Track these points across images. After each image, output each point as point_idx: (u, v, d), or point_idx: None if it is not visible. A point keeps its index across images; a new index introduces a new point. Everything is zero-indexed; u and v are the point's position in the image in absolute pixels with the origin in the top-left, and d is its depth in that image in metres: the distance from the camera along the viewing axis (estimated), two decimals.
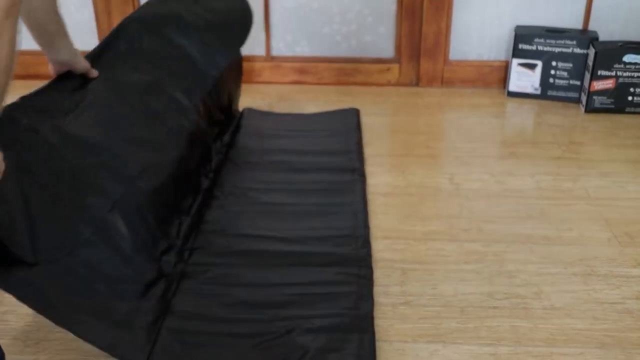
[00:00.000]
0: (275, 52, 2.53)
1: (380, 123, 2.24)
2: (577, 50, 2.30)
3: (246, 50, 2.51)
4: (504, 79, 2.48)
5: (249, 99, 2.40)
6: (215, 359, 1.20)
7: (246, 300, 1.34)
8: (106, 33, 2.48)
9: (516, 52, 2.37)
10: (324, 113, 2.26)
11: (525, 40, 2.35)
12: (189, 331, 1.25)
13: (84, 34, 2.53)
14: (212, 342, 1.23)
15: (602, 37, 2.33)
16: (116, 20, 2.46)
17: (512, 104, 2.38)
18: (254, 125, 2.14)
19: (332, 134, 2.09)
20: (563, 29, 2.36)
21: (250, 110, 2.24)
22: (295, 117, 2.24)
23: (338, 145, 2.02)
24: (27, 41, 2.58)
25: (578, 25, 2.39)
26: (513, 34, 2.37)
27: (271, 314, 1.30)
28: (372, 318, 1.29)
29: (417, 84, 2.53)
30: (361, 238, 1.54)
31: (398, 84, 2.54)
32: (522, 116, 2.32)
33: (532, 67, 2.37)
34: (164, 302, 1.32)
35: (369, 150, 2.02)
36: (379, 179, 1.85)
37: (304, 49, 2.52)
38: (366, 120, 2.22)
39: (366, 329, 1.25)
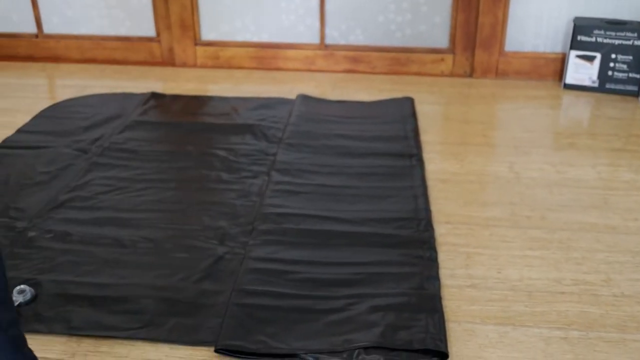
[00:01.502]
0: (329, 40, 2.53)
1: (435, 112, 2.22)
2: (638, 43, 2.26)
3: (299, 38, 2.53)
4: (560, 72, 2.45)
5: (302, 86, 2.41)
6: (285, 334, 1.20)
7: (312, 278, 1.35)
8: (163, 19, 2.52)
9: (574, 44, 2.33)
10: (379, 101, 2.26)
11: (584, 32, 2.31)
12: (257, 306, 1.26)
13: (141, 20, 2.57)
14: (282, 317, 1.24)
15: None
16: (174, 7, 2.49)
17: (568, 97, 2.35)
18: (309, 111, 2.15)
19: (388, 121, 2.09)
20: (623, 20, 2.32)
21: (304, 97, 2.25)
22: (350, 104, 2.23)
23: (394, 131, 2.01)
24: (86, 26, 2.64)
25: (638, 17, 2.35)
26: (571, 25, 2.34)
27: (338, 292, 1.30)
28: (440, 298, 1.28)
29: (470, 75, 2.51)
30: (423, 221, 1.53)
31: (451, 74, 2.52)
32: (579, 108, 2.28)
33: (590, 59, 2.33)
34: (231, 280, 1.33)
35: (425, 138, 2.01)
36: (437, 165, 1.84)
37: (357, 38, 2.52)
38: (421, 109, 2.21)
39: (435, 309, 1.24)
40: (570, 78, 2.38)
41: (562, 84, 2.40)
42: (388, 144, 1.93)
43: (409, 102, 2.23)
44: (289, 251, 1.43)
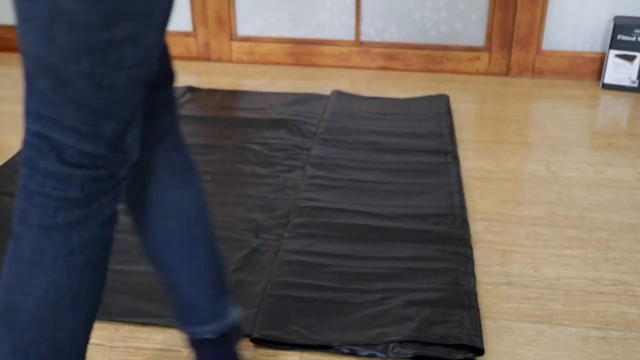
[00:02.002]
0: (364, 37, 2.53)
1: (470, 110, 2.21)
2: None
3: (335, 34, 2.53)
4: (598, 71, 2.41)
5: (336, 82, 2.41)
6: (320, 325, 1.20)
7: (346, 271, 1.35)
8: (200, 15, 2.54)
9: (614, 43, 2.30)
10: (414, 98, 2.25)
11: (625, 31, 2.27)
12: (292, 298, 1.27)
13: (178, 15, 2.59)
14: (317, 309, 1.24)
15: None
16: (211, 2, 2.51)
17: (607, 97, 2.31)
18: (344, 107, 2.15)
19: (423, 118, 2.08)
20: None
21: (339, 93, 2.25)
22: (384, 101, 2.23)
23: (429, 128, 2.00)
24: None
25: None
26: (611, 24, 2.30)
27: (373, 286, 1.30)
28: (475, 294, 1.27)
29: (506, 74, 2.49)
30: (459, 218, 1.53)
31: (487, 73, 2.50)
32: (618, 108, 2.24)
33: (630, 59, 2.29)
34: (266, 271, 1.34)
35: (460, 135, 1.99)
36: (473, 163, 1.83)
37: (393, 35, 2.52)
38: (456, 107, 2.20)
39: (470, 305, 1.23)
40: (609, 78, 2.34)
41: (601, 84, 2.36)
42: (423, 141, 1.92)
43: (444, 99, 2.22)
44: (323, 244, 1.44)
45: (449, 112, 2.12)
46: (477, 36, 2.48)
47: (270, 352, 1.16)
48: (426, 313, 1.22)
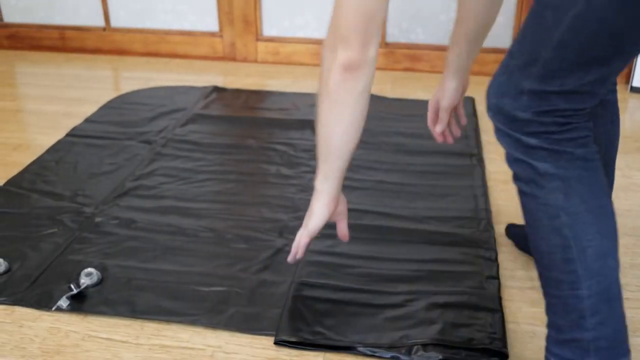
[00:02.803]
0: (389, 38, 2.53)
1: None
2: None
3: None
4: (627, 74, 2.38)
5: None
6: (344, 327, 1.21)
7: (370, 273, 1.35)
8: (227, 15, 2.56)
9: None
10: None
11: None
12: (316, 299, 1.27)
13: (205, 15, 2.62)
14: (340, 310, 1.24)
15: None
16: (237, 3, 2.53)
17: (635, 100, 2.28)
18: (368, 108, 2.14)
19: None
20: None
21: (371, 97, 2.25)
22: (408, 102, 2.23)
23: None
24: (151, 20, 2.69)
25: None
26: None
27: (397, 287, 1.30)
28: (500, 298, 1.27)
29: None
30: (484, 221, 1.52)
31: None
32: None
33: None
34: (290, 272, 1.35)
35: (485, 138, 1.98)
36: (498, 166, 1.82)
37: (418, 37, 2.51)
38: (481, 109, 2.19)
39: (495, 309, 1.23)
40: (638, 81, 2.31)
41: (629, 87, 2.34)
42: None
43: (470, 101, 2.21)
44: (347, 245, 1.44)
45: (474, 114, 2.11)
46: (503, 38, 2.46)
47: (294, 352, 1.17)
48: (450, 316, 1.21)
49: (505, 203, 1.63)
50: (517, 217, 1.57)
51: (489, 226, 1.50)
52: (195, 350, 1.18)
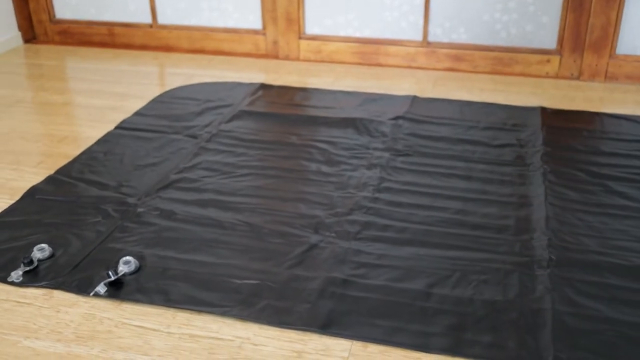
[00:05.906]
0: (432, 37, 2.52)
1: None
2: None
3: (402, 34, 2.53)
4: None
5: (401, 82, 2.41)
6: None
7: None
8: (270, 13, 2.59)
9: None
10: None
11: None
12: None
13: (249, 13, 2.65)
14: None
15: None
16: (281, 1, 2.55)
17: None
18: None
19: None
20: None
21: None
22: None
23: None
24: (197, 17, 2.74)
25: None
26: None
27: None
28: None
29: (577, 78, 2.43)
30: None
31: (557, 76, 2.45)
32: None
33: None
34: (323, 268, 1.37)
35: None
36: None
37: (460, 36, 2.49)
38: None
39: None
40: None
41: None
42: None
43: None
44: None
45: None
46: (548, 39, 2.43)
47: (320, 346, 1.18)
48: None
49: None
50: None
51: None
52: (224, 341, 1.20)
